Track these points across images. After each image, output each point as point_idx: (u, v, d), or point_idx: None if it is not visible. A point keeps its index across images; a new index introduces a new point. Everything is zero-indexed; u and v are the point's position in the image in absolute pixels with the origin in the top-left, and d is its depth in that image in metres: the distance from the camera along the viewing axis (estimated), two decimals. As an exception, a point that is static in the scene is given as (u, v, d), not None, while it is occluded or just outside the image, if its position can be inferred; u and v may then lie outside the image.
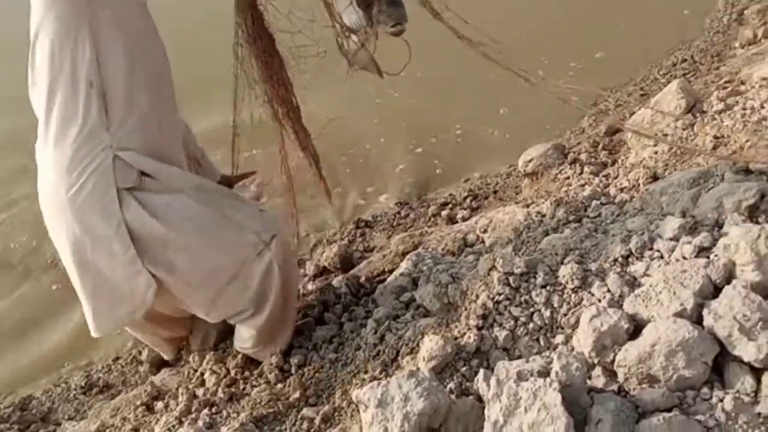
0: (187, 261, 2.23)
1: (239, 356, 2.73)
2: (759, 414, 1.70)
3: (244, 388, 2.59)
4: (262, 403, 2.35)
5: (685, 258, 1.99)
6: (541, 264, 2.21)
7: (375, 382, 1.89)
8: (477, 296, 2.19)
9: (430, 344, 2.06)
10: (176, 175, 2.22)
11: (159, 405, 2.71)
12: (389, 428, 1.80)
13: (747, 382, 1.74)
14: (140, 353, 3.37)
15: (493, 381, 1.77)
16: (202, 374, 2.75)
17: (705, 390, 1.76)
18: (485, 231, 3.05)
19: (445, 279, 2.37)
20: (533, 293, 2.13)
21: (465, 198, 4.01)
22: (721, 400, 1.73)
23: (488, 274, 2.22)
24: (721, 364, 1.79)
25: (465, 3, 2.44)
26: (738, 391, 1.73)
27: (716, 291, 1.89)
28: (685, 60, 4.73)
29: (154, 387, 2.82)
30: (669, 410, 1.73)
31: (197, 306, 2.38)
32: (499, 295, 2.15)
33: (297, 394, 2.37)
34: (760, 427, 1.68)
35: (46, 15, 1.94)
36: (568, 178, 3.31)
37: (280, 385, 2.50)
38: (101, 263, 2.16)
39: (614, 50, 4.92)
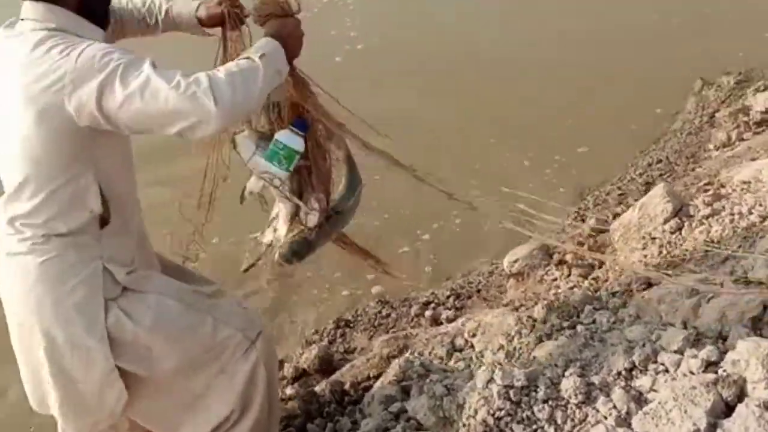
0: (168, 359, 2.12)
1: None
2: None
3: None
4: None
5: (692, 373, 1.91)
6: (542, 377, 2.12)
7: None
8: (476, 411, 2.08)
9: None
10: (156, 280, 2.15)
11: None
12: None
13: None
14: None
15: None
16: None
17: None
18: (474, 335, 2.96)
19: (440, 391, 2.26)
20: (535, 408, 2.03)
21: (448, 297, 3.93)
22: None
23: (486, 387, 2.12)
24: (738, 489, 1.70)
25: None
26: None
27: (728, 409, 1.82)
28: (661, 161, 4.82)
29: None
30: None
31: (180, 411, 2.23)
32: (500, 410, 2.04)
33: None
34: None
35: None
36: (555, 279, 3.26)
37: None
38: (77, 372, 2.04)
39: (595, 146, 5.01)
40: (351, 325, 3.97)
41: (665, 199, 3.04)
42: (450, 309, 3.75)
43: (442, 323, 3.60)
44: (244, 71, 1.81)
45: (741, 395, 1.82)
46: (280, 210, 2.40)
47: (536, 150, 5.04)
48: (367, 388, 2.88)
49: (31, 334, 2.02)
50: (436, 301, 3.95)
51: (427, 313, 3.75)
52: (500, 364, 2.48)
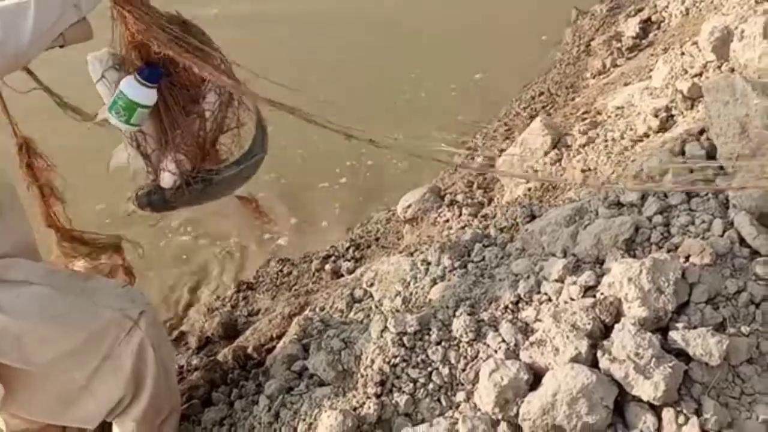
0: (44, 349, 2.03)
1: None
2: (662, 453, 1.70)
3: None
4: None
5: (572, 299, 1.99)
6: (434, 319, 2.15)
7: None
8: (372, 361, 2.10)
9: (329, 420, 1.94)
10: (24, 267, 2.03)
11: None
12: None
13: (648, 420, 1.74)
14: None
15: (400, 455, 1.68)
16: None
17: (609, 433, 1.75)
18: (372, 284, 2.97)
19: (338, 345, 2.27)
20: (429, 351, 2.07)
21: (347, 249, 3.94)
22: (623, 445, 1.72)
23: (381, 336, 2.15)
24: (621, 405, 1.79)
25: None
26: (641, 431, 1.73)
27: (607, 330, 1.90)
28: (542, 93, 4.92)
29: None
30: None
31: (63, 403, 2.15)
32: (395, 357, 2.07)
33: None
34: (665, 465, 1.68)
35: None
36: (447, 221, 3.31)
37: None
38: None
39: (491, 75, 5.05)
40: (253, 287, 3.93)
41: (544, 132, 3.11)
42: (350, 260, 3.76)
43: (342, 275, 3.61)
44: (8, 6, 1.61)
45: (618, 315, 1.90)
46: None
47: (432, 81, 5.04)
48: (271, 350, 2.87)
49: None
50: (336, 254, 3.95)
51: (328, 266, 3.75)
52: (397, 311, 2.50)
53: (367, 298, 2.99)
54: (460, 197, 3.47)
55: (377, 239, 3.98)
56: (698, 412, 1.73)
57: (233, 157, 2.25)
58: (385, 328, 2.15)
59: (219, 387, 2.74)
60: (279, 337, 2.96)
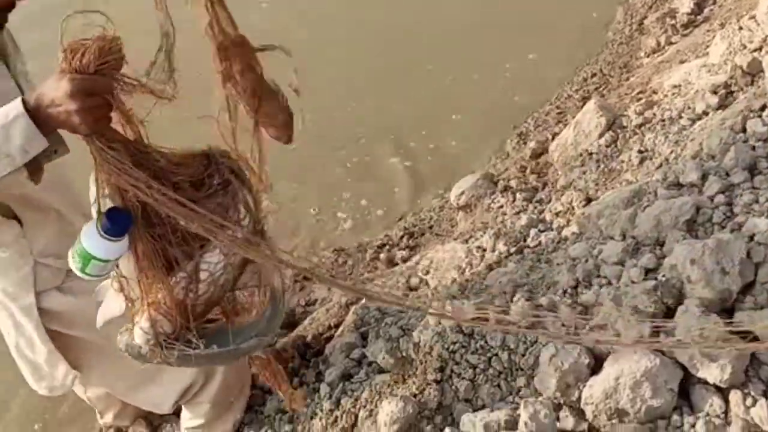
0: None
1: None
2: (732, 436, 1.67)
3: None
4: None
5: (633, 282, 1.96)
6: (492, 304, 2.14)
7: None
8: (431, 348, 2.11)
9: (390, 407, 1.96)
10: None
11: None
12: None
13: (715, 403, 1.71)
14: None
15: (466, 440, 1.69)
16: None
17: (675, 417, 1.73)
18: (428, 272, 2.99)
19: (396, 332, 2.29)
20: (488, 337, 2.06)
21: (401, 237, 3.94)
22: (693, 426, 1.69)
23: (439, 323, 2.15)
24: (686, 388, 1.76)
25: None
26: (708, 414, 1.70)
27: (669, 312, 1.87)
28: (595, 74, 4.82)
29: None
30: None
31: (140, 380, 2.25)
32: (454, 344, 2.08)
33: (258, 475, 2.23)
34: (734, 449, 1.65)
35: None
36: (501, 206, 3.29)
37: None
38: (26, 350, 2.10)
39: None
40: (309, 277, 3.96)
41: (598, 113, 3.06)
42: (404, 249, 3.76)
43: (397, 264, 3.62)
44: None
45: (681, 297, 1.87)
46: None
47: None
48: (329, 339, 2.90)
49: None
50: (390, 242, 3.95)
51: (382, 255, 3.76)
52: (454, 297, 2.51)
53: (423, 285, 3.00)
54: (513, 183, 3.44)
55: (431, 227, 3.97)
56: (766, 394, 1.69)
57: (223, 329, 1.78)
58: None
59: (279, 376, 2.79)
60: (336, 326, 2.99)
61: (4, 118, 1.32)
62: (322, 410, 2.35)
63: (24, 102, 1.32)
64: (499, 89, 4.77)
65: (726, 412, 1.70)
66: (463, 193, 3.52)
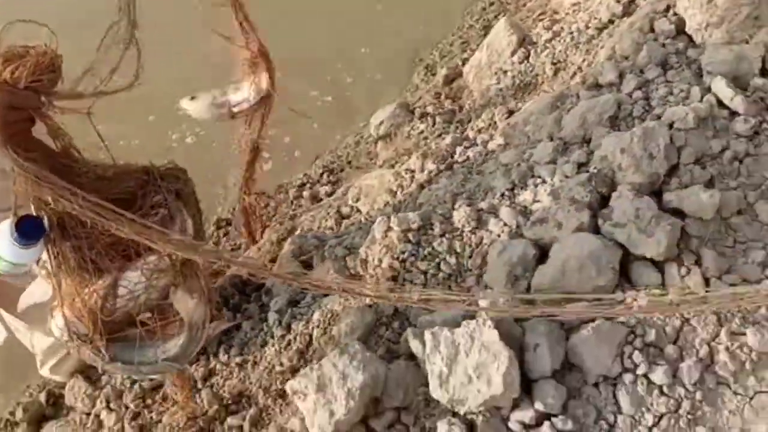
0: None
1: (135, 386, 2.54)
2: (671, 303, 1.80)
3: (152, 418, 2.41)
4: (181, 427, 2.19)
5: (567, 177, 2.06)
6: (435, 214, 2.21)
7: (307, 369, 1.82)
8: (380, 260, 2.16)
9: (349, 317, 2.01)
10: None
11: (58, 461, 2.46)
12: (334, 410, 1.74)
13: (652, 276, 1.84)
14: (13, 414, 3.04)
15: (427, 336, 1.75)
16: (98, 416, 2.54)
17: (619, 293, 1.85)
18: (358, 200, 3.02)
19: (341, 252, 2.32)
20: (434, 244, 2.13)
21: (321, 174, 3.95)
22: (635, 298, 1.82)
23: (386, 236, 2.20)
24: (625, 266, 1.89)
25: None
26: (647, 286, 1.83)
27: (604, 201, 1.99)
28: (492, 3, 4.92)
29: (49, 439, 2.56)
30: (593, 320, 1.80)
31: None
32: (403, 253, 2.13)
33: (215, 407, 2.23)
34: (674, 315, 1.80)
35: None
36: (422, 132, 3.34)
37: (192, 404, 2.34)
38: None
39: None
40: (231, 222, 3.92)
41: (509, 32, 3.14)
42: (326, 185, 3.78)
43: (322, 199, 3.64)
44: None
45: (613, 185, 1.99)
46: None
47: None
48: (266, 274, 2.90)
49: None
50: (310, 181, 3.95)
51: (305, 193, 3.76)
52: (389, 217, 2.56)
53: (354, 213, 3.03)
54: (430, 109, 3.50)
55: (349, 162, 3.99)
56: (698, 263, 1.84)
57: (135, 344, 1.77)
58: (389, 228, 2.20)
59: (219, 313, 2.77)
60: (272, 261, 2.99)
61: None
62: (273, 337, 2.37)
63: None
64: (403, 20, 4.79)
65: (663, 283, 1.83)
66: (381, 123, 3.55)
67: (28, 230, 1.44)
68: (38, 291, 1.66)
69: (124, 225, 1.33)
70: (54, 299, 1.62)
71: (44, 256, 1.51)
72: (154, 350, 1.70)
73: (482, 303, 1.73)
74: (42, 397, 2.92)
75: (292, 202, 3.83)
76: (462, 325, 1.73)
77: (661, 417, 1.67)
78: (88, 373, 2.82)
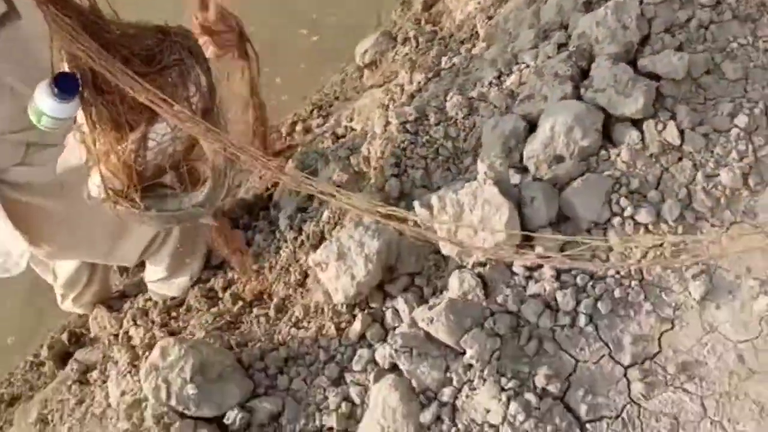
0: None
1: (159, 305, 2.70)
2: (651, 155, 1.99)
3: (178, 325, 2.57)
4: (210, 322, 2.35)
5: (549, 57, 2.23)
6: (429, 107, 2.37)
7: (327, 242, 1.98)
8: (383, 153, 2.32)
9: (359, 201, 2.17)
10: None
11: (94, 375, 2.62)
12: (355, 273, 1.91)
13: (633, 134, 2.02)
14: (37, 355, 3.20)
15: (434, 199, 1.92)
16: (126, 332, 2.69)
17: (603, 152, 2.03)
18: (351, 119, 3.16)
19: (344, 153, 2.48)
20: (431, 132, 2.29)
21: (311, 112, 4.08)
22: (618, 155, 2.00)
23: (385, 130, 2.36)
24: (607, 128, 2.06)
25: None
26: (628, 144, 2.01)
27: (584, 74, 2.16)
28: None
29: (79, 363, 2.72)
30: (581, 175, 1.98)
31: (108, 238, 2.34)
32: (403, 142, 2.29)
33: (239, 305, 2.40)
34: (654, 165, 1.98)
35: None
36: (406, 54, 3.48)
37: (214, 309, 2.50)
38: None
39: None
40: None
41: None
42: (317, 118, 3.92)
43: (314, 130, 3.78)
44: None
45: (591, 58, 2.16)
46: None
47: None
48: (271, 196, 3.05)
49: None
50: (301, 118, 4.09)
51: (298, 128, 3.90)
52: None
53: (349, 132, 3.18)
54: (412, 34, 3.63)
55: (337, 98, 4.13)
56: (673, 118, 2.02)
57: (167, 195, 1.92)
58: (387, 123, 2.36)
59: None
60: (274, 185, 3.14)
61: None
62: (286, 240, 2.52)
63: None
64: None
65: (643, 140, 2.01)
66: (366, 51, 3.68)
67: (65, 85, 1.54)
68: (72, 157, 1.80)
69: (140, 93, 1.48)
70: (89, 160, 1.75)
71: (80, 118, 1.65)
72: (185, 198, 1.85)
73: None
74: (64, 337, 3.08)
75: (285, 138, 3.97)
76: (465, 187, 1.90)
77: (647, 253, 1.85)
78: (109, 302, 2.98)
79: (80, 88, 1.57)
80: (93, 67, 1.49)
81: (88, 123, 1.64)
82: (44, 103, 1.57)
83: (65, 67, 1.54)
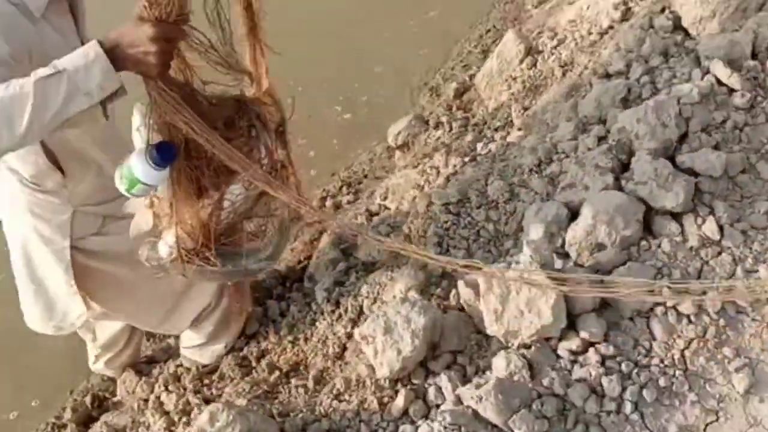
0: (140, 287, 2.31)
1: (191, 371, 2.72)
2: (691, 248, 2.06)
3: (211, 392, 2.59)
4: (247, 391, 2.37)
5: (589, 149, 2.32)
6: (471, 189, 2.46)
7: (373, 315, 2.03)
8: (425, 231, 2.39)
9: (403, 277, 2.23)
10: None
11: (124, 440, 2.62)
12: (401, 348, 1.95)
13: (673, 227, 2.09)
14: (59, 417, 3.19)
15: (481, 280, 1.98)
16: (158, 397, 2.70)
17: (643, 243, 2.10)
18: (385, 198, 3.25)
19: (385, 230, 2.55)
20: (473, 214, 2.37)
21: (340, 188, 4.18)
22: (659, 246, 2.07)
23: (427, 210, 2.43)
24: (647, 221, 2.14)
25: None
26: (669, 236, 2.08)
27: (624, 167, 2.25)
28: (489, 30, 5.26)
29: (108, 426, 2.72)
30: (623, 264, 2.04)
31: (165, 309, 2.41)
32: (446, 222, 2.37)
33: (275, 374, 2.42)
34: (694, 258, 2.04)
35: None
36: (438, 138, 3.60)
37: (249, 377, 2.52)
38: (47, 278, 2.20)
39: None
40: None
41: (517, 42, 3.44)
42: (347, 195, 4.01)
43: (344, 207, 3.86)
44: (8, 95, 1.43)
45: (631, 152, 2.25)
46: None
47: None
48: (305, 268, 3.11)
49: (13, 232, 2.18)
50: (330, 193, 4.19)
51: (328, 203, 3.99)
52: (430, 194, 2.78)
53: (383, 210, 3.27)
54: (444, 119, 3.77)
55: (366, 176, 4.23)
56: (712, 214, 2.09)
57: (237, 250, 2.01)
58: (430, 203, 2.44)
59: (264, 303, 2.97)
60: (307, 259, 3.20)
61: (84, 58, 1.46)
62: (322, 312, 2.57)
63: (99, 43, 1.47)
64: (407, 47, 5.12)
65: (682, 233, 2.08)
66: (399, 132, 3.81)
67: (164, 153, 1.63)
68: (144, 222, 1.90)
69: (233, 158, 1.63)
70: (157, 225, 1.86)
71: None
72: (255, 253, 1.98)
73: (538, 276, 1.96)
74: (88, 400, 3.08)
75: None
76: (511, 269, 1.96)
77: (690, 341, 1.90)
78: (138, 367, 3.01)
79: (177, 155, 1.66)
80: (192, 136, 1.59)
81: (172, 188, 1.72)
82: (140, 171, 1.64)
83: (155, 137, 1.63)
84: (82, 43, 1.87)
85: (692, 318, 1.93)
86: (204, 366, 2.73)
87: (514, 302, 1.91)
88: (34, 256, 2.14)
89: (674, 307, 1.94)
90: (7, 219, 2.16)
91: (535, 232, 2.16)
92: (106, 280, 2.24)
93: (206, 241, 1.85)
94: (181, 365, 2.81)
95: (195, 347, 2.66)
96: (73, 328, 2.35)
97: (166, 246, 1.88)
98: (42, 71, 1.44)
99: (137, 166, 1.64)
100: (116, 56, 1.47)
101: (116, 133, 1.93)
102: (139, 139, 1.73)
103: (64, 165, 2.02)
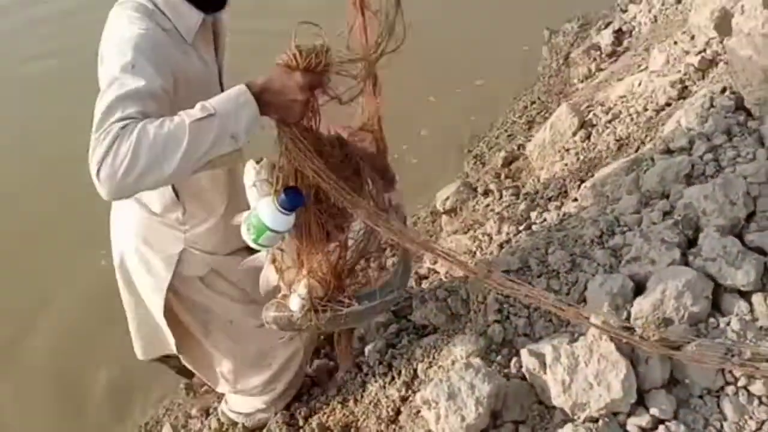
0: (223, 335, 2.40)
1: (237, 425, 2.72)
2: (761, 327, 2.02)
3: (261, 448, 2.56)
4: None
5: (654, 223, 2.32)
6: (531, 258, 2.45)
7: (436, 380, 2.01)
8: (484, 297, 2.38)
9: (463, 342, 2.21)
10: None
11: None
12: (465, 415, 1.92)
13: (742, 305, 2.07)
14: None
15: (548, 349, 1.96)
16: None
17: (712, 320, 2.07)
18: (435, 262, 3.25)
19: (443, 294, 2.54)
20: (534, 282, 2.36)
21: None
22: (728, 324, 2.04)
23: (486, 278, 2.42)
24: (715, 298, 2.11)
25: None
26: (738, 315, 2.05)
27: (690, 243, 2.24)
28: (534, 102, 5.34)
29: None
30: (692, 341, 2.00)
31: (248, 365, 2.49)
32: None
33: (326, 435, 2.39)
34: (765, 337, 2.01)
35: None
36: (488, 205, 3.62)
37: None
38: (152, 307, 2.29)
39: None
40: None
41: (571, 114, 3.49)
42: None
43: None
44: (162, 134, 1.44)
45: (697, 229, 2.24)
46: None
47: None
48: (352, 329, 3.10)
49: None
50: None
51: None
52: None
53: (432, 274, 3.27)
54: (492, 186, 3.80)
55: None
56: (781, 294, 2.07)
57: (367, 288, 2.15)
58: (489, 270, 2.43)
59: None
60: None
61: (235, 102, 1.50)
62: (375, 375, 2.55)
63: (248, 87, 1.52)
64: (453, 113, 5.21)
65: (752, 311, 2.05)
66: (447, 198, 3.84)
67: (293, 198, 1.65)
68: (271, 276, 1.93)
69: (358, 205, 1.71)
70: (285, 277, 1.92)
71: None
72: (384, 288, 2.14)
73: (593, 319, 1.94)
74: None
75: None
76: (580, 340, 1.94)
77: (763, 423, 1.85)
78: (173, 423, 3.01)
79: (305, 201, 1.70)
80: (319, 183, 1.65)
81: (301, 236, 1.79)
82: (268, 217, 1.66)
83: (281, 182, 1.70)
84: (219, 73, 1.95)
85: (764, 399, 1.88)
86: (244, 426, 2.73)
87: (583, 374, 1.89)
88: (134, 279, 2.22)
89: (746, 388, 1.90)
90: (118, 242, 2.24)
91: (599, 304, 2.14)
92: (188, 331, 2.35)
93: (338, 284, 1.93)
94: (220, 421, 2.81)
95: (246, 414, 2.67)
96: (154, 356, 2.48)
97: (298, 298, 1.89)
98: (195, 113, 1.47)
99: (265, 213, 1.66)
100: (263, 101, 1.52)
101: (238, 181, 1.99)
102: (254, 195, 1.76)
103: (185, 203, 2.08)
